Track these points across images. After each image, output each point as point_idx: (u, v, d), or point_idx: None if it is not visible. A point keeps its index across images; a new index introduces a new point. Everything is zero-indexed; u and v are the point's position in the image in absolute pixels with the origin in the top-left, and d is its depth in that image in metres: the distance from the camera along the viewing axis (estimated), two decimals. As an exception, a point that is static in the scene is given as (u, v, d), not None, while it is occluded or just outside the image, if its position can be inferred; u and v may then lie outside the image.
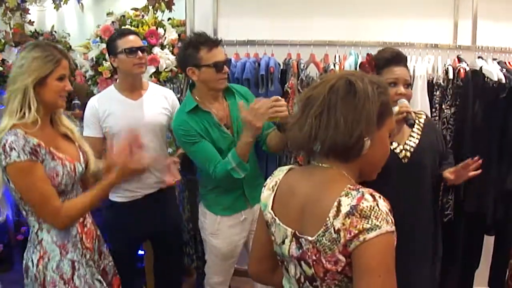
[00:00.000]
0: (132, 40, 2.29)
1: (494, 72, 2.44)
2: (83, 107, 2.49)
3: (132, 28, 2.82)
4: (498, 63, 2.57)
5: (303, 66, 2.72)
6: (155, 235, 2.49)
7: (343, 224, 1.05)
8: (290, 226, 1.18)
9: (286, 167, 1.31)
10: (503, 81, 2.43)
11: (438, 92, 2.54)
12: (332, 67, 2.64)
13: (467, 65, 2.54)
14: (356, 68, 2.60)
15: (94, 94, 2.70)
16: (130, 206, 2.34)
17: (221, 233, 2.24)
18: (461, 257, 2.59)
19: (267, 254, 1.31)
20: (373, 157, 1.18)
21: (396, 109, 1.79)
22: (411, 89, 2.54)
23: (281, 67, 2.79)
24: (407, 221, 1.80)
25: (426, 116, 2.05)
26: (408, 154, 1.88)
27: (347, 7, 2.86)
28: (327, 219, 1.08)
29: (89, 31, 3.02)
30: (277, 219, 1.23)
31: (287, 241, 1.19)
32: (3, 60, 3.36)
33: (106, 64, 2.78)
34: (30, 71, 1.60)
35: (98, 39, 2.86)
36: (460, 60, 2.60)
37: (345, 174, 1.16)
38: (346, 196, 1.08)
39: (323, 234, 1.08)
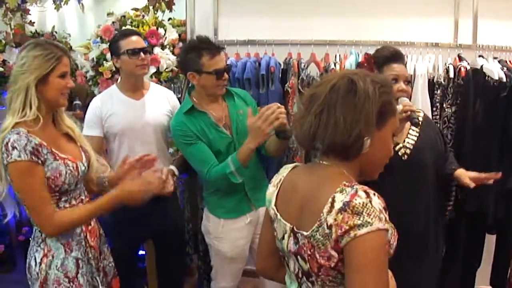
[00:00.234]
0: (135, 41, 2.28)
1: (495, 71, 2.44)
2: (83, 107, 2.50)
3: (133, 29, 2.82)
4: (499, 61, 2.57)
5: (304, 66, 2.71)
6: (156, 235, 2.49)
7: (335, 219, 1.06)
8: (290, 221, 1.21)
9: (291, 165, 1.33)
10: (504, 80, 2.43)
11: (439, 91, 2.54)
12: (332, 66, 2.64)
13: (468, 64, 2.54)
14: (356, 68, 2.60)
15: (94, 95, 2.70)
16: (126, 206, 2.31)
17: (225, 236, 2.23)
18: (462, 256, 2.59)
19: (273, 250, 1.33)
20: (374, 156, 1.18)
21: (399, 107, 1.80)
22: (412, 87, 2.55)
23: (282, 67, 2.79)
24: (406, 218, 1.80)
25: (424, 114, 2.06)
26: (408, 151, 1.89)
27: (348, 7, 2.86)
28: (321, 214, 1.09)
29: (90, 31, 3.02)
30: (278, 214, 1.25)
31: (286, 236, 1.21)
32: (4, 60, 3.36)
33: (107, 64, 2.78)
34: (32, 69, 1.60)
35: (98, 39, 2.86)
36: (460, 59, 2.60)
37: (344, 172, 1.17)
38: (340, 192, 1.09)
39: (317, 229, 1.10)
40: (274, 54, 2.83)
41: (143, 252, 2.84)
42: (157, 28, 2.87)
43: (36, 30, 3.60)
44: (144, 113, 2.32)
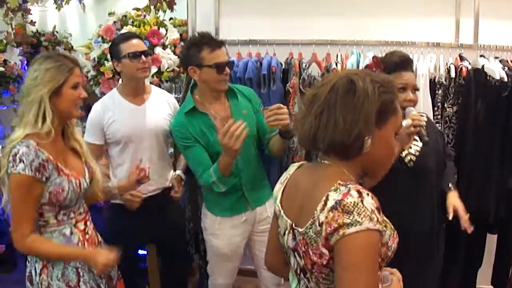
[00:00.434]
0: (136, 44, 2.26)
1: (496, 71, 2.44)
2: (84, 107, 2.49)
3: (134, 28, 2.82)
4: (500, 61, 2.57)
5: (305, 66, 2.71)
6: (158, 239, 2.49)
7: (326, 217, 1.07)
8: (291, 218, 1.23)
9: (298, 163, 1.35)
10: (505, 79, 2.43)
11: (440, 91, 2.54)
12: (334, 66, 2.65)
13: (469, 63, 2.54)
14: (358, 67, 2.60)
15: (96, 94, 2.71)
16: (128, 211, 2.29)
17: (221, 233, 2.24)
18: (463, 256, 2.59)
19: (280, 247, 1.34)
20: (375, 155, 1.18)
21: (408, 122, 1.76)
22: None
23: (283, 67, 2.78)
24: (411, 222, 1.81)
25: (427, 117, 2.05)
26: (413, 158, 1.88)
27: (349, 7, 2.86)
28: (315, 212, 1.11)
29: (91, 31, 3.02)
30: (282, 211, 1.27)
31: (286, 232, 1.24)
32: (5, 60, 3.37)
33: (108, 64, 2.78)
34: (45, 82, 1.61)
35: (100, 39, 2.86)
36: (462, 58, 2.60)
37: (344, 172, 1.17)
38: (334, 191, 1.10)
39: (310, 226, 1.12)
40: (276, 54, 2.83)
41: (145, 252, 2.84)
42: (159, 28, 2.87)
43: (37, 30, 3.61)
44: (146, 119, 2.31)
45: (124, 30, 2.80)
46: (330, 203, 1.08)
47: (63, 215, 1.70)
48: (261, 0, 2.98)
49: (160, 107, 2.37)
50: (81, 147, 1.80)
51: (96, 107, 2.32)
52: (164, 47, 2.86)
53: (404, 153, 1.87)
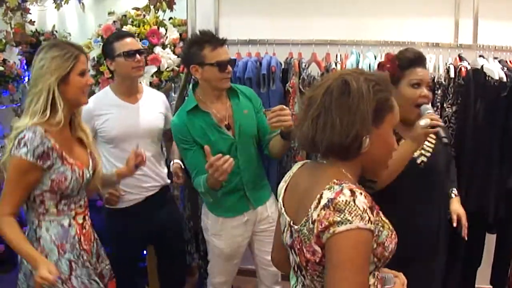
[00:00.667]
0: (130, 43, 2.25)
1: (495, 71, 2.44)
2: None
3: (134, 28, 2.82)
4: (499, 61, 2.57)
5: (305, 65, 2.72)
6: (155, 240, 2.49)
7: (318, 215, 1.08)
8: (290, 216, 1.24)
9: (302, 162, 1.35)
10: (504, 79, 2.44)
11: (439, 91, 2.55)
12: (333, 66, 2.65)
13: (468, 64, 2.55)
14: (357, 67, 2.60)
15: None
16: (126, 211, 2.31)
17: (223, 234, 2.24)
18: (463, 255, 2.59)
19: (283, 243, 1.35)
20: (374, 154, 1.19)
21: (427, 121, 1.71)
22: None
23: (283, 66, 2.79)
24: (420, 221, 1.82)
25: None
26: (425, 159, 1.86)
27: (348, 7, 2.86)
28: (309, 210, 1.12)
29: (90, 30, 3.02)
30: (283, 209, 1.28)
31: (285, 229, 1.25)
32: (4, 60, 3.36)
33: (108, 63, 2.78)
34: (51, 70, 1.61)
35: (99, 38, 2.86)
36: (461, 59, 2.61)
37: (342, 171, 1.18)
38: (328, 189, 1.11)
39: (304, 224, 1.13)
40: (275, 53, 2.83)
41: (144, 252, 2.84)
42: (158, 28, 2.87)
43: (36, 29, 3.60)
44: (140, 117, 2.30)
45: (124, 29, 2.80)
46: (323, 201, 1.09)
47: (63, 205, 1.70)
48: (260, 0, 2.98)
49: (154, 105, 2.37)
50: (87, 138, 1.80)
51: (88, 105, 2.31)
52: (163, 46, 2.86)
53: (416, 153, 1.84)
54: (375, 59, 2.68)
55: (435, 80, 2.57)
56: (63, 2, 3.27)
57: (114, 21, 2.89)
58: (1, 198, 1.64)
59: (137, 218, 2.30)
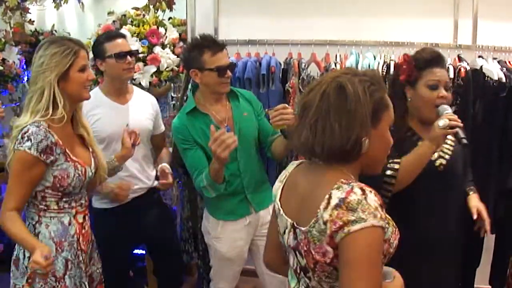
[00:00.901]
0: (121, 44, 2.23)
1: (495, 71, 2.45)
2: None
3: (133, 28, 2.82)
4: (499, 62, 2.58)
5: (304, 66, 2.72)
6: (146, 241, 2.49)
7: (330, 215, 1.08)
8: (291, 217, 1.22)
9: (298, 161, 1.34)
10: (503, 80, 2.44)
11: (438, 91, 2.55)
12: (333, 66, 2.65)
13: (468, 64, 2.55)
14: (357, 67, 2.60)
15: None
16: (112, 211, 2.29)
17: (224, 237, 2.22)
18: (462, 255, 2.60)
19: (279, 244, 1.34)
20: (374, 154, 1.19)
21: (445, 122, 1.66)
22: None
23: (282, 67, 2.79)
24: (437, 225, 1.79)
25: None
26: (444, 162, 1.81)
27: (348, 7, 2.86)
28: (318, 210, 1.11)
29: (90, 30, 3.03)
30: (281, 210, 1.27)
31: (287, 231, 1.23)
32: (3, 59, 3.35)
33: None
34: (51, 67, 1.61)
35: (99, 38, 2.85)
36: (460, 59, 2.61)
37: (344, 171, 1.18)
38: (337, 189, 1.10)
39: (314, 225, 1.12)
40: (275, 54, 2.83)
41: (143, 252, 2.85)
42: (158, 27, 2.86)
43: (35, 29, 3.60)
44: (130, 118, 2.28)
45: (123, 29, 2.80)
46: (334, 201, 1.08)
47: (64, 202, 1.69)
48: (260, 0, 2.98)
49: (143, 107, 2.36)
50: (88, 134, 1.80)
51: None
52: (163, 46, 2.86)
53: (435, 156, 1.79)
54: (375, 59, 2.68)
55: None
56: (62, 2, 3.27)
57: (113, 21, 2.89)
58: (6, 193, 1.64)
59: (123, 218, 2.28)
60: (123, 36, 2.32)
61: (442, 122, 1.66)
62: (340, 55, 2.74)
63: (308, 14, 2.88)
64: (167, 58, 2.84)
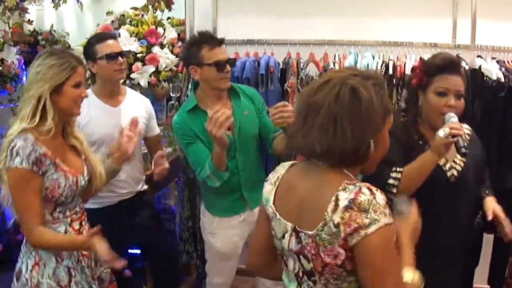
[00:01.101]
0: (112, 45, 2.23)
1: (493, 71, 2.45)
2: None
3: (132, 28, 2.82)
4: (497, 62, 2.58)
5: (303, 65, 2.73)
6: (138, 240, 2.48)
7: (342, 218, 1.07)
8: (290, 221, 1.20)
9: (289, 163, 1.31)
10: (502, 80, 2.44)
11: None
12: (331, 66, 2.65)
13: (466, 64, 2.54)
14: (355, 66, 2.60)
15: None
16: (100, 211, 2.26)
17: (219, 233, 2.24)
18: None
19: (266, 247, 1.33)
20: (374, 155, 1.19)
21: (446, 131, 1.60)
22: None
23: (281, 66, 2.79)
24: (446, 235, 1.76)
25: (471, 130, 1.91)
26: (456, 173, 1.77)
27: (346, 7, 2.86)
28: (325, 213, 1.10)
29: (88, 30, 3.03)
30: (277, 214, 1.24)
31: (287, 235, 1.21)
32: (2, 59, 3.35)
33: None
34: (46, 78, 1.60)
35: (97, 38, 2.85)
36: (459, 59, 2.60)
37: (345, 172, 1.17)
38: (343, 190, 1.10)
39: (322, 228, 1.10)
40: (273, 53, 2.84)
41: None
42: (156, 27, 2.87)
43: (34, 29, 3.60)
44: (122, 120, 2.24)
45: (122, 29, 2.80)
46: (343, 203, 1.08)
47: (58, 213, 1.69)
48: (259, 0, 2.98)
49: (136, 109, 2.34)
50: (80, 144, 1.78)
51: None
52: (162, 46, 2.86)
53: (447, 166, 1.75)
54: (373, 59, 2.68)
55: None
56: (61, 2, 3.27)
57: (112, 21, 2.89)
58: (20, 216, 1.63)
59: (113, 218, 2.25)
60: (114, 37, 2.32)
61: (442, 132, 1.61)
62: (338, 55, 2.75)
63: (306, 14, 2.88)
64: (166, 58, 2.84)
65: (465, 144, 1.62)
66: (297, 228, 1.17)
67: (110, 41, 2.24)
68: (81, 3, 3.40)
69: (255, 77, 2.74)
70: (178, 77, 2.94)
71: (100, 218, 2.23)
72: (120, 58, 2.22)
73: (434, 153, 1.64)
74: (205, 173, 2.04)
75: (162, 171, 2.25)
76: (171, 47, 2.90)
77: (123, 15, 2.92)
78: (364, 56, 2.72)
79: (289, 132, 1.83)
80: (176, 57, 2.86)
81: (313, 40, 2.82)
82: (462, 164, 1.78)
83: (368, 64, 2.64)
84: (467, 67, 2.51)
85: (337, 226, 1.08)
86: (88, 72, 2.82)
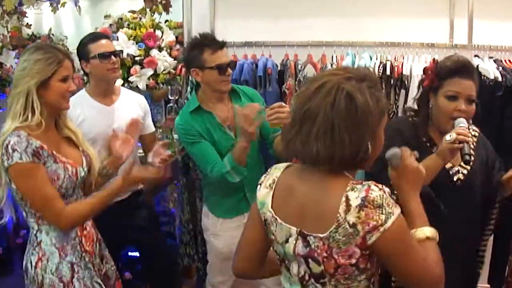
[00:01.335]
0: (105, 45, 2.23)
1: (491, 71, 2.45)
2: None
3: (130, 31, 2.83)
4: (495, 61, 2.58)
5: (301, 67, 2.73)
6: (134, 242, 2.48)
7: (358, 217, 1.07)
8: (293, 225, 1.19)
9: (283, 165, 1.29)
10: (500, 79, 2.45)
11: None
12: (329, 67, 2.65)
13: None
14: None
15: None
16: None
17: (222, 234, 2.25)
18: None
19: (256, 252, 1.33)
20: (371, 154, 1.18)
21: (452, 136, 1.58)
22: (409, 88, 2.56)
23: (279, 68, 2.79)
24: (454, 242, 1.71)
25: (479, 132, 1.89)
26: (462, 176, 1.76)
27: (344, 8, 2.87)
28: (338, 215, 1.09)
29: (86, 33, 3.02)
30: (278, 218, 1.22)
31: (291, 239, 1.19)
32: (1, 63, 3.35)
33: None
34: (33, 73, 1.60)
35: (95, 41, 2.85)
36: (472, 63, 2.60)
37: (345, 173, 1.17)
38: (352, 190, 1.10)
39: (336, 230, 1.10)
40: (271, 55, 2.84)
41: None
42: (154, 30, 2.87)
43: (33, 33, 3.60)
44: (115, 120, 2.25)
45: (120, 32, 2.81)
46: (355, 202, 1.08)
47: None
48: (256, 2, 2.98)
49: (130, 108, 2.34)
50: (76, 136, 1.78)
51: None
52: (160, 49, 2.87)
53: (454, 170, 1.74)
54: (371, 59, 2.69)
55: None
56: (59, 6, 3.27)
57: (110, 24, 2.90)
58: (40, 209, 1.62)
59: (106, 219, 2.25)
60: (107, 37, 2.33)
61: (449, 136, 1.59)
62: (336, 56, 2.75)
63: (304, 16, 2.88)
64: (164, 60, 2.85)
65: (471, 151, 1.60)
66: (304, 232, 1.16)
67: (103, 41, 2.24)
68: (79, 6, 3.40)
69: (253, 79, 2.74)
70: (177, 79, 2.94)
71: (95, 219, 2.26)
72: (113, 57, 2.22)
73: (439, 157, 1.63)
74: (224, 169, 2.04)
75: (167, 157, 2.14)
76: (169, 50, 2.91)
77: (121, 19, 2.93)
78: (362, 57, 2.72)
79: (285, 135, 1.86)
80: (174, 59, 2.86)
81: (311, 42, 2.82)
82: (469, 168, 1.76)
83: (365, 65, 2.64)
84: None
85: (353, 226, 1.08)
86: (81, 72, 2.79)
